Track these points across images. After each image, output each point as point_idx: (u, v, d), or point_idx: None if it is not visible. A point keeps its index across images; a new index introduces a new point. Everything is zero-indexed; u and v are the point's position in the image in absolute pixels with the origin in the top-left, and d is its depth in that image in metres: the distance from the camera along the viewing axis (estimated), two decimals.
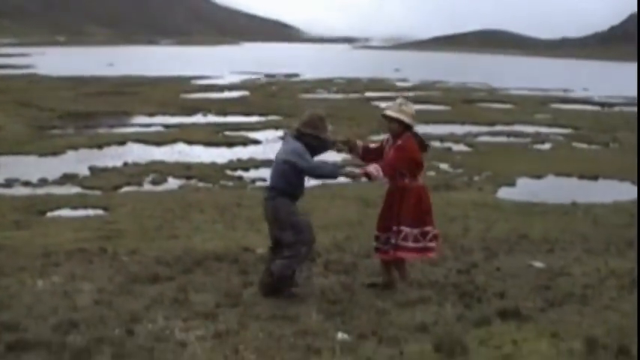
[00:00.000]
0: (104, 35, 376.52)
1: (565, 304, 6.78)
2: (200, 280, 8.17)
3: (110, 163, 27.83)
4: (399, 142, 7.40)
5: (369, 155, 7.78)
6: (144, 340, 5.74)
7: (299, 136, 7.28)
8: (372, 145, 7.90)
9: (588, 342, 5.28)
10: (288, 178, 7.20)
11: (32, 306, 6.88)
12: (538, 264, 9.19)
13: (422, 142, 7.56)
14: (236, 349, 5.54)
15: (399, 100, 7.62)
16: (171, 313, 6.59)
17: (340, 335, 5.95)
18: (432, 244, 7.52)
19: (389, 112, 7.49)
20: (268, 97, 60.50)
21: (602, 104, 62.79)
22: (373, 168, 7.23)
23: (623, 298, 7.03)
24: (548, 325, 5.89)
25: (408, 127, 7.45)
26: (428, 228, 7.48)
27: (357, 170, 7.44)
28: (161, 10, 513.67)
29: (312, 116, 7.32)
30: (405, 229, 7.40)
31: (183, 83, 76.42)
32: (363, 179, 7.45)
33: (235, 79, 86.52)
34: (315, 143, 7.30)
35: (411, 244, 7.43)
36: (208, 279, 8.20)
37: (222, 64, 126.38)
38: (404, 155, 7.32)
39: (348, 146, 7.76)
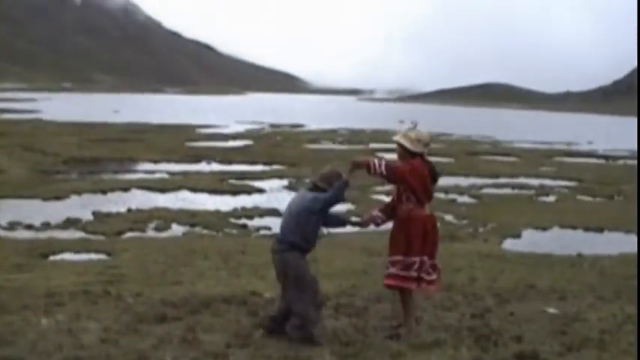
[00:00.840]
0: (110, 82, 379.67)
1: (583, 348, 6.65)
2: (208, 320, 8.00)
3: (114, 209, 27.69)
4: (410, 161, 7.33)
5: (390, 214, 7.64)
6: None
7: (313, 189, 7.48)
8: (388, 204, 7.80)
9: None
10: (304, 228, 7.17)
11: (36, 343, 6.74)
12: (552, 310, 9.04)
13: (433, 171, 7.50)
14: None
15: (408, 126, 7.58)
16: (179, 353, 6.45)
17: None
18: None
19: (394, 137, 7.47)
20: (273, 146, 60.57)
21: (606, 157, 62.89)
22: (372, 161, 7.27)
23: None
24: None
25: (414, 154, 7.37)
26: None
27: (364, 217, 7.55)
28: (168, 58, 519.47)
29: (330, 172, 7.56)
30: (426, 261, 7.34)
31: (188, 131, 76.56)
32: (372, 226, 7.47)
33: (240, 128, 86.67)
34: None
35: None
36: (217, 320, 8.04)
37: (228, 114, 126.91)
38: (416, 172, 7.24)
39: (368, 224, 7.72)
